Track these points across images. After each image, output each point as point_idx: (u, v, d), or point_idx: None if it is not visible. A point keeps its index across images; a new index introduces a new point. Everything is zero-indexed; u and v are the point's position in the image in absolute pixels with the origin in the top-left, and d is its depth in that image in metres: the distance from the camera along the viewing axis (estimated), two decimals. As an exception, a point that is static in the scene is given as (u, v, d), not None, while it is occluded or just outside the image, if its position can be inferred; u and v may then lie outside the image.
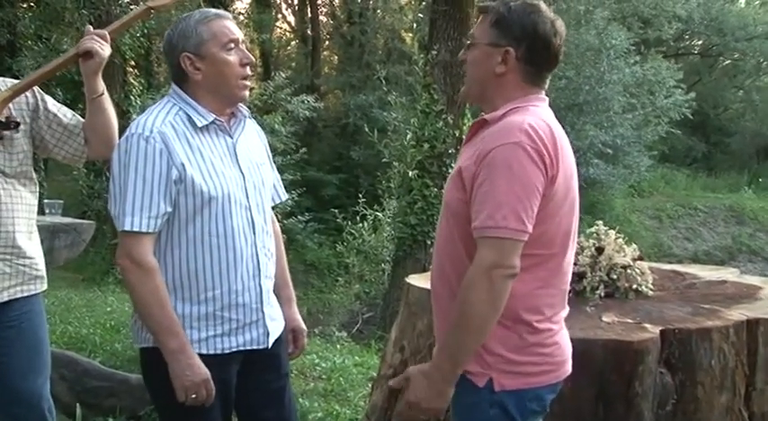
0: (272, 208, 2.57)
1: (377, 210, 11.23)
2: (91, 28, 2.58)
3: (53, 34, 10.66)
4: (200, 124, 2.26)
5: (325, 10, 23.49)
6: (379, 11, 21.33)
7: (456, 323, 1.93)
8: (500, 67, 2.03)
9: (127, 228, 2.18)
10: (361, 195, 12.05)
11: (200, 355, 2.24)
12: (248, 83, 2.32)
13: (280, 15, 23.82)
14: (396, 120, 11.94)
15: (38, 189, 2.71)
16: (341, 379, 5.12)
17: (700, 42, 26.03)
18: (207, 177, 2.23)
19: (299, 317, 2.65)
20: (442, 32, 8.88)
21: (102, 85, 2.58)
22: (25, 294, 2.61)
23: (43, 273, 2.69)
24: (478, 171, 1.94)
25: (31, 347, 2.65)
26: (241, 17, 19.61)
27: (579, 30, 16.71)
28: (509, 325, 1.98)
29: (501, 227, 1.88)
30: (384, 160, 10.97)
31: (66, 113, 2.68)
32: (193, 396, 2.20)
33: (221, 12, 2.33)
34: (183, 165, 2.20)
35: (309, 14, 22.43)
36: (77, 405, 3.99)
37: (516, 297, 1.93)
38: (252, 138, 2.45)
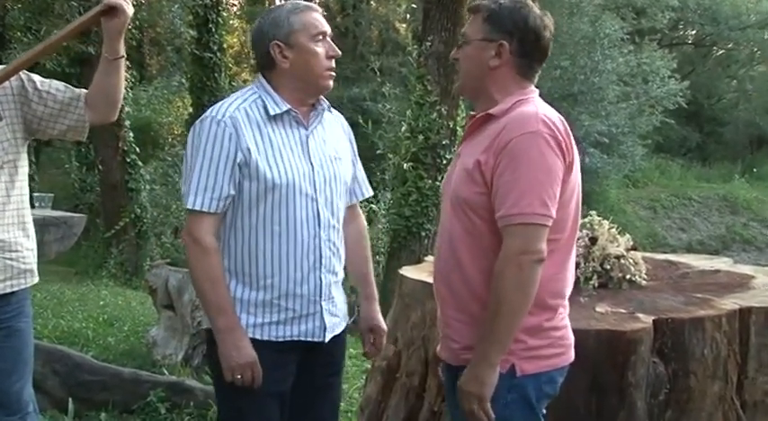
0: (360, 203, 2.63)
1: (371, 202, 11.19)
2: None
3: (43, 26, 10.59)
4: (272, 112, 2.30)
5: (318, 1, 23.42)
6: (372, 2, 21.29)
7: (491, 312, 1.99)
8: (494, 60, 2.10)
9: (190, 206, 2.25)
10: (355, 187, 11.97)
11: (255, 340, 2.28)
12: (333, 73, 2.36)
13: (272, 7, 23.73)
14: (390, 111, 11.92)
15: (26, 178, 2.63)
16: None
17: (693, 32, 26.04)
18: (272, 164, 2.26)
19: (379, 316, 2.59)
20: (436, 23, 8.84)
21: (122, 48, 2.54)
22: (15, 289, 2.57)
23: (33, 266, 2.62)
24: (498, 161, 2.00)
25: (16, 350, 2.60)
26: (234, 9, 19.53)
27: (572, 19, 16.72)
28: (534, 311, 2.03)
29: (527, 213, 1.95)
30: (378, 152, 10.93)
31: (58, 87, 2.61)
32: (239, 377, 2.24)
33: (312, 4, 2.39)
34: (249, 149, 2.24)
35: (303, 5, 22.36)
36: (69, 399, 3.98)
37: (541, 283, 2.00)
38: (332, 133, 2.46)
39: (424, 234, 8.92)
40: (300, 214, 2.30)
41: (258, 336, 2.30)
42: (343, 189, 2.45)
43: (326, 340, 2.39)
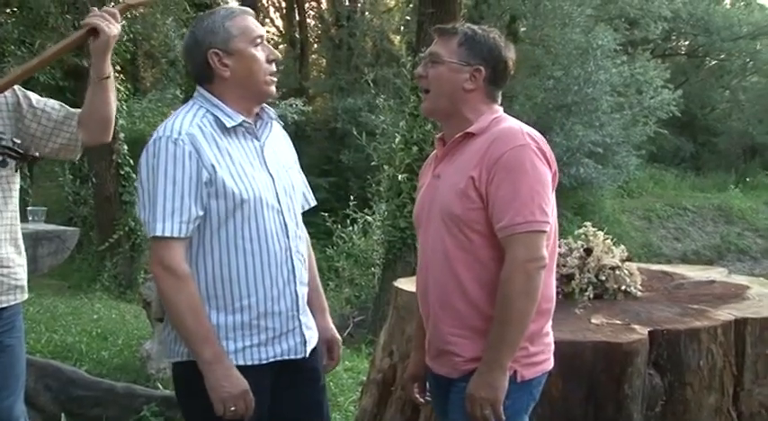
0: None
1: (366, 214, 11.19)
2: (96, 9, 2.49)
3: (37, 39, 10.55)
4: (228, 125, 2.19)
5: (312, 13, 23.47)
6: (367, 13, 21.32)
7: (499, 319, 2.06)
8: (468, 83, 2.19)
9: (158, 233, 2.10)
10: (350, 199, 12.01)
11: (237, 367, 2.14)
12: (275, 79, 2.27)
13: (267, 19, 23.78)
14: (384, 123, 11.93)
15: (17, 194, 2.62)
16: (331, 383, 5.09)
17: (686, 43, 26.17)
18: (237, 180, 2.16)
19: (333, 327, 2.54)
20: (430, 35, 8.81)
21: (109, 68, 2.50)
22: (5, 304, 2.55)
23: (23, 282, 2.61)
24: (492, 175, 2.08)
25: (7, 365, 2.58)
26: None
27: (565, 30, 16.78)
28: (534, 317, 2.10)
29: (530, 221, 2.05)
30: (373, 163, 10.95)
31: (53, 106, 2.59)
32: (232, 409, 2.10)
33: (246, 8, 2.31)
34: (213, 166, 2.13)
35: (297, 17, 22.38)
36: (62, 415, 3.96)
37: None
38: (279, 142, 2.39)
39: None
40: (270, 228, 2.20)
41: (241, 362, 2.17)
42: (300, 198, 2.40)
43: (307, 355, 2.31)
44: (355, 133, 11.20)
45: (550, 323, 2.23)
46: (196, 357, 2.12)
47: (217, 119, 2.20)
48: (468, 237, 2.13)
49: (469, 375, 2.12)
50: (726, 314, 2.78)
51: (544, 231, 2.07)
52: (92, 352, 5.30)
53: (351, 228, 11.69)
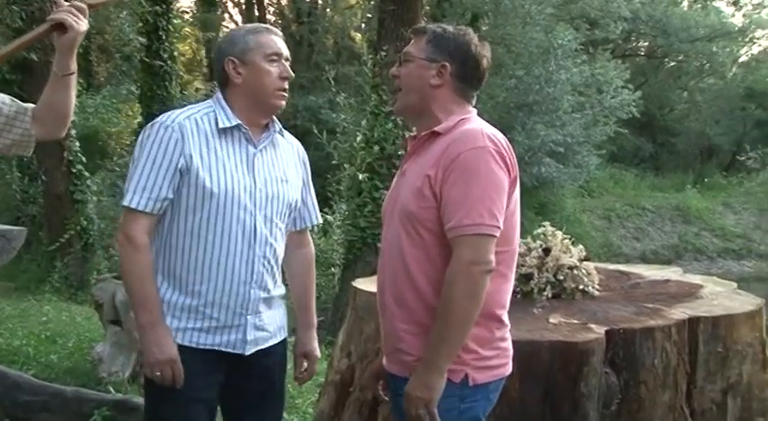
0: (309, 230, 2.70)
1: (326, 214, 11.10)
2: (63, 2, 2.42)
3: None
4: (221, 125, 2.36)
5: (272, 9, 23.32)
6: (328, 10, 21.26)
7: (441, 320, 2.04)
8: (435, 79, 2.20)
9: (125, 203, 2.32)
10: (310, 198, 11.88)
11: (180, 347, 2.32)
12: (284, 94, 2.43)
13: (226, 14, 23.59)
14: (345, 121, 11.89)
15: None
16: (289, 385, 5.02)
17: (645, 43, 26.58)
18: (213, 174, 2.32)
19: (314, 343, 2.67)
20: (391, 33, 8.83)
21: (74, 64, 2.46)
22: None
23: None
24: (447, 175, 2.07)
25: None
26: (186, 16, 19.31)
27: (526, 28, 16.89)
28: (481, 321, 2.09)
29: (477, 223, 2.03)
30: (334, 162, 10.88)
31: (4, 100, 2.50)
32: (158, 373, 2.29)
33: (273, 28, 2.49)
34: (191, 156, 2.31)
35: (257, 13, 22.21)
36: None
37: (488, 294, 2.07)
38: (284, 156, 2.52)
39: (379, 245, 8.86)
40: (236, 227, 2.35)
41: (179, 341, 2.34)
42: (285, 210, 2.49)
43: (247, 353, 2.42)
44: (316, 131, 11.10)
45: (508, 328, 2.21)
46: (136, 320, 2.35)
47: (216, 118, 2.39)
48: (421, 234, 2.13)
49: None
50: (680, 313, 2.81)
51: (492, 235, 2.05)
52: (40, 355, 5.19)
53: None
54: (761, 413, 2.87)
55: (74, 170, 9.88)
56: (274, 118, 2.50)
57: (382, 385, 2.45)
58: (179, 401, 2.35)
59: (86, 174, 10.21)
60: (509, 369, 2.22)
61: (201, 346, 2.36)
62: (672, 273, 3.69)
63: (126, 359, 4.80)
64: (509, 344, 2.22)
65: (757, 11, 27.23)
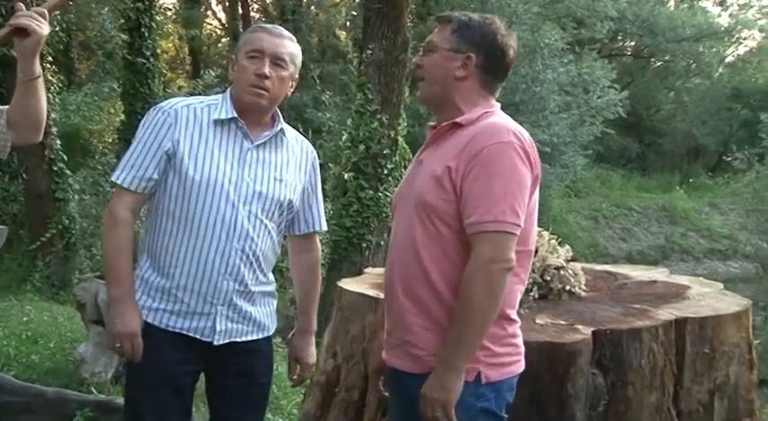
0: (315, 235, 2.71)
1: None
2: (23, 6, 2.40)
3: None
4: (215, 116, 2.42)
5: (256, 6, 23.21)
6: (312, 8, 21.21)
7: (459, 319, 2.01)
8: (460, 70, 2.15)
9: (113, 179, 2.43)
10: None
11: (147, 324, 2.41)
12: (260, 91, 2.41)
13: (209, 12, 23.49)
14: (330, 120, 11.86)
15: None
16: (274, 386, 4.99)
17: (632, 43, 26.69)
18: (198, 162, 2.37)
19: (310, 349, 2.69)
20: (377, 31, 8.80)
21: (38, 68, 2.44)
22: None
23: None
24: (469, 169, 2.03)
25: None
26: (168, 13, 19.18)
27: (512, 28, 16.84)
28: (497, 320, 2.06)
29: (500, 221, 1.98)
30: (319, 162, 10.83)
31: None
32: (118, 345, 2.38)
33: (269, 26, 2.52)
34: (178, 141, 2.38)
35: (240, 11, 22.12)
36: (-14, 422, 3.79)
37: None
38: (286, 157, 2.53)
39: (364, 245, 8.86)
40: (215, 217, 2.38)
41: (149, 319, 2.42)
42: (274, 209, 2.48)
43: (216, 342, 2.44)
44: (301, 130, 11.03)
45: (518, 325, 2.18)
46: (107, 292, 2.51)
47: (215, 110, 2.45)
48: (438, 228, 2.08)
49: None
50: (667, 313, 2.81)
51: (513, 233, 2.01)
52: (21, 356, 5.13)
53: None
54: (747, 414, 2.87)
55: (55, 168, 9.77)
56: (279, 117, 2.52)
57: (383, 380, 2.43)
58: (148, 384, 2.43)
59: (68, 172, 10.09)
60: (522, 366, 2.20)
61: (171, 329, 2.42)
62: (658, 273, 3.68)
63: (108, 359, 4.75)
64: (521, 341, 2.20)
65: (743, 11, 27.42)
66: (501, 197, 1.99)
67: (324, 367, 3.20)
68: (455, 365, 2.01)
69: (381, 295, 2.95)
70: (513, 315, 2.16)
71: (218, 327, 2.44)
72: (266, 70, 2.39)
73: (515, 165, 2.02)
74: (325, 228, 2.72)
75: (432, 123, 2.29)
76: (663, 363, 2.68)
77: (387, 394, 2.42)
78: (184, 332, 2.43)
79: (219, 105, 2.45)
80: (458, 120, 2.14)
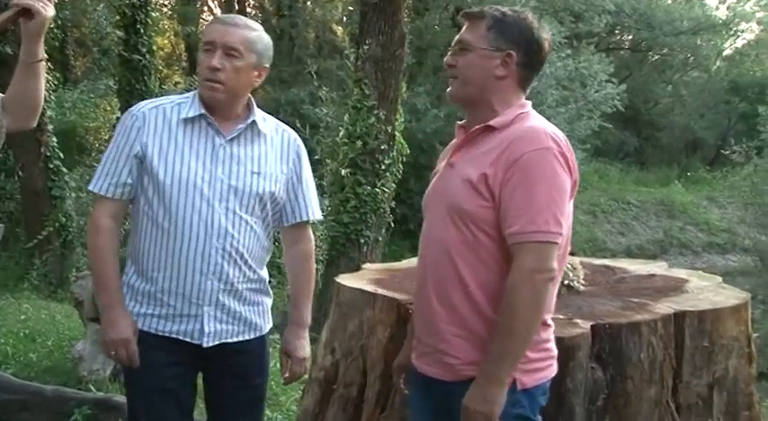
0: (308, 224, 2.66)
1: (309, 209, 11.03)
2: None
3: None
4: (182, 115, 2.39)
5: (253, 2, 23.16)
6: (309, 3, 21.16)
7: (502, 330, 1.97)
8: (500, 70, 2.09)
9: (90, 187, 2.45)
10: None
11: (139, 331, 2.41)
12: (213, 85, 2.35)
13: (206, 8, 23.42)
14: (327, 116, 11.81)
15: None
16: (272, 383, 4.98)
17: (630, 37, 26.65)
18: (168, 162, 2.35)
19: (298, 342, 2.61)
20: (373, 26, 8.77)
21: (41, 51, 2.43)
22: None
23: None
24: (508, 176, 1.98)
25: None
26: (164, 9, 19.13)
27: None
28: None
29: (543, 231, 1.95)
30: (316, 157, 10.79)
31: None
32: (112, 353, 2.39)
33: (224, 16, 2.48)
34: (146, 144, 2.36)
35: (237, 6, 22.03)
36: (-16, 420, 3.78)
37: None
38: (263, 148, 2.47)
39: (362, 241, 8.84)
40: (191, 217, 2.35)
41: (139, 326, 2.41)
42: (254, 204, 2.44)
43: (205, 344, 2.42)
44: (298, 126, 11.00)
45: (552, 329, 2.17)
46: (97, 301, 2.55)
47: (184, 108, 2.42)
48: (474, 234, 2.05)
49: (470, 381, 2.04)
50: (665, 307, 2.80)
51: (556, 243, 1.98)
52: (18, 354, 5.13)
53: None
54: (746, 407, 2.86)
55: (51, 166, 9.77)
56: (252, 108, 2.47)
57: (404, 378, 2.40)
58: (142, 389, 2.44)
59: (64, 169, 10.08)
60: (554, 370, 2.18)
61: (161, 333, 2.42)
62: (657, 267, 3.67)
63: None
64: (553, 345, 2.19)
65: (741, 3, 27.35)
66: (544, 206, 1.96)
67: (322, 363, 3.19)
68: (498, 377, 1.99)
69: (379, 290, 2.97)
70: (549, 319, 2.14)
71: (206, 329, 2.42)
72: (215, 62, 2.33)
73: (556, 171, 1.98)
74: (316, 217, 2.65)
75: (461, 123, 2.23)
76: (662, 357, 2.67)
77: (406, 391, 2.41)
78: (173, 335, 2.42)
79: (189, 103, 2.41)
80: (491, 123, 2.08)
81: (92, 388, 4.43)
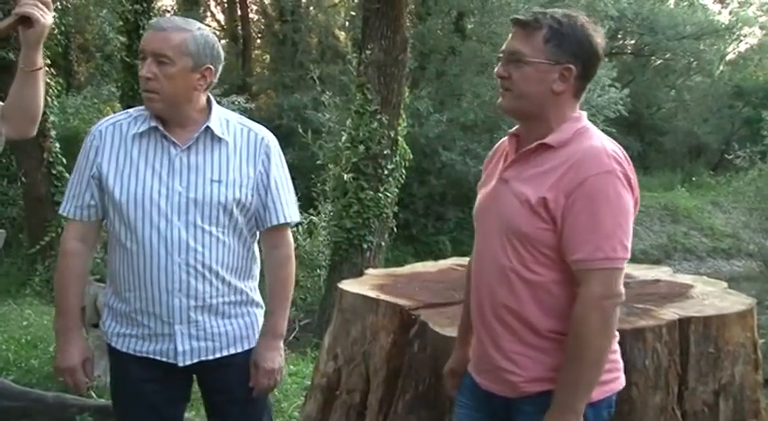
0: (300, 214, 2.58)
1: (312, 214, 11.03)
2: None
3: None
4: (132, 131, 2.34)
5: (255, 7, 23.23)
6: (312, 8, 21.21)
7: (574, 360, 1.94)
8: (558, 84, 2.00)
9: (60, 210, 2.44)
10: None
11: (116, 350, 2.41)
12: (148, 95, 2.28)
13: (208, 13, 23.49)
14: (330, 120, 11.83)
15: None
16: (275, 389, 4.96)
17: (632, 42, 26.61)
18: (123, 180, 2.30)
19: (267, 354, 2.45)
20: (376, 31, 8.79)
21: (40, 59, 2.41)
22: None
23: None
24: (571, 201, 1.93)
25: None
26: (167, 15, 19.16)
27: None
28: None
29: (611, 257, 1.92)
30: (319, 162, 10.80)
31: None
32: (60, 378, 2.45)
33: (155, 21, 2.36)
34: (101, 164, 2.32)
35: (239, 12, 22.16)
36: (-15, 428, 3.76)
37: None
38: (224, 153, 2.36)
39: (365, 246, 8.83)
40: (150, 235, 2.29)
41: (118, 347, 2.40)
42: (217, 214, 2.33)
43: (180, 363, 2.37)
44: (300, 131, 11.03)
45: (617, 340, 2.11)
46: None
47: (138, 122, 2.35)
48: (534, 256, 2.00)
49: (533, 397, 2.04)
50: (670, 313, 2.77)
51: (623, 268, 1.95)
52: (20, 360, 5.10)
53: (295, 228, 11.54)
54: (753, 414, 2.83)
55: (54, 172, 9.78)
56: (212, 114, 2.35)
57: (455, 384, 2.37)
58: (121, 402, 2.48)
59: (67, 175, 10.05)
60: (622, 382, 2.15)
61: (138, 353, 2.38)
62: (662, 272, 3.64)
63: (108, 363, 4.72)
64: (619, 356, 2.15)
65: (744, 8, 27.34)
66: (610, 232, 1.91)
67: (324, 369, 3.18)
68: (573, 407, 1.95)
69: (382, 296, 2.97)
70: (615, 331, 2.09)
71: (179, 348, 2.35)
72: (144, 71, 2.25)
73: (620, 194, 1.93)
74: (292, 219, 2.49)
75: (513, 131, 2.15)
76: (667, 364, 2.65)
77: (455, 397, 2.38)
78: (150, 356, 2.37)
79: (143, 117, 2.34)
80: (548, 141, 2.00)
81: (93, 394, 4.40)
